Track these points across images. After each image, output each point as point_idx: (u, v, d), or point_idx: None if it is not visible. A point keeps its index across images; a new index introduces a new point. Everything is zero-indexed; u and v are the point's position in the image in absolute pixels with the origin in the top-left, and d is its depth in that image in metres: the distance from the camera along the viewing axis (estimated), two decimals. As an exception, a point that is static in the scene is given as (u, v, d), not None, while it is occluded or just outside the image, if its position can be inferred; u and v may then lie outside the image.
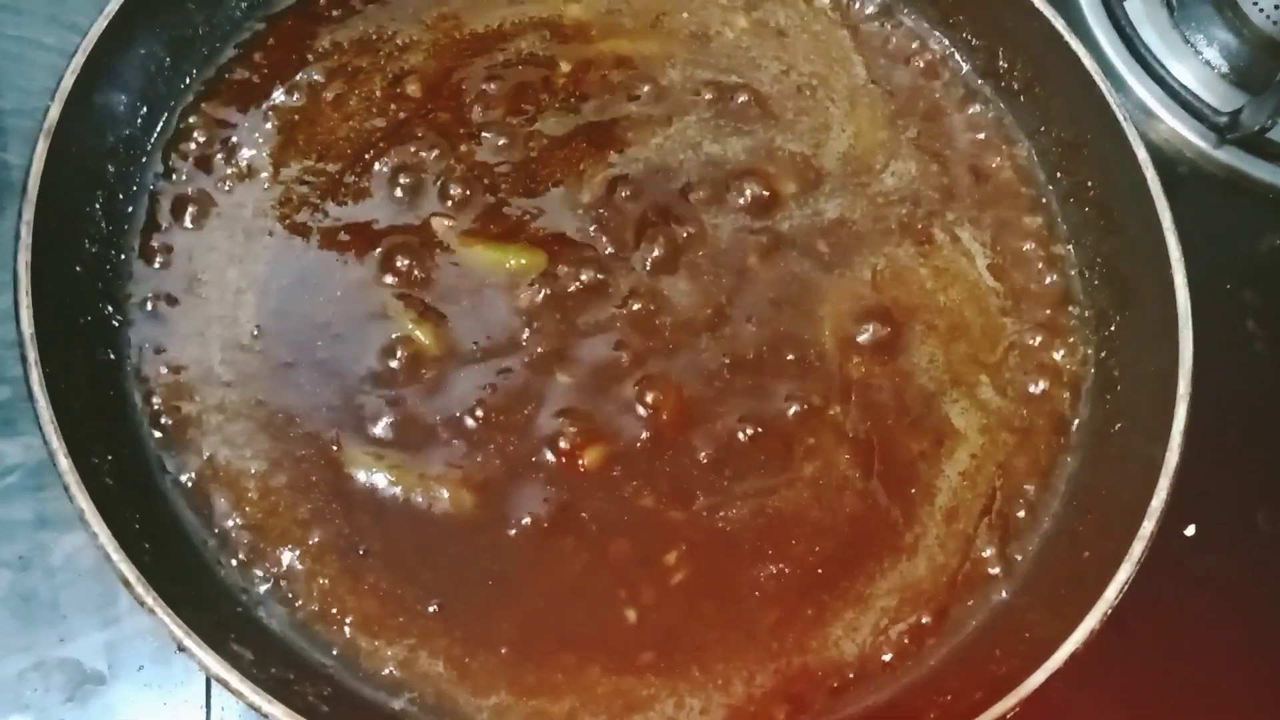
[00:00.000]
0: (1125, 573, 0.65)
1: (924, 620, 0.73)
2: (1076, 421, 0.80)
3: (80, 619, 0.75)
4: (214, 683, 0.59)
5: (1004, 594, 0.74)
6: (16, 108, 0.87)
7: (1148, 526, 0.67)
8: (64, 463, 0.61)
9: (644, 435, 0.75)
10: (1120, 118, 0.79)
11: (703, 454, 0.75)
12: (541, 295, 0.78)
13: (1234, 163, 1.01)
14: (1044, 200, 0.87)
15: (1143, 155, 0.77)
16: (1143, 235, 0.77)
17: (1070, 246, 0.85)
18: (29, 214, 0.67)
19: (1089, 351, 0.82)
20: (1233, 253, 1.00)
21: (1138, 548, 0.66)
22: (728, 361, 0.78)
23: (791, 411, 0.77)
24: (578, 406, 0.75)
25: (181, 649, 0.58)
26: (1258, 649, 0.87)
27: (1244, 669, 0.86)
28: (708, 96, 0.86)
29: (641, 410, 0.75)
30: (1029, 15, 0.84)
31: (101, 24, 0.73)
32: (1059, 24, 0.83)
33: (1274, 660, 0.86)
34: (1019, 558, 0.76)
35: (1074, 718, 0.80)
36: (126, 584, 0.59)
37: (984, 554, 0.76)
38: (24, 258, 0.66)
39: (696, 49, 0.88)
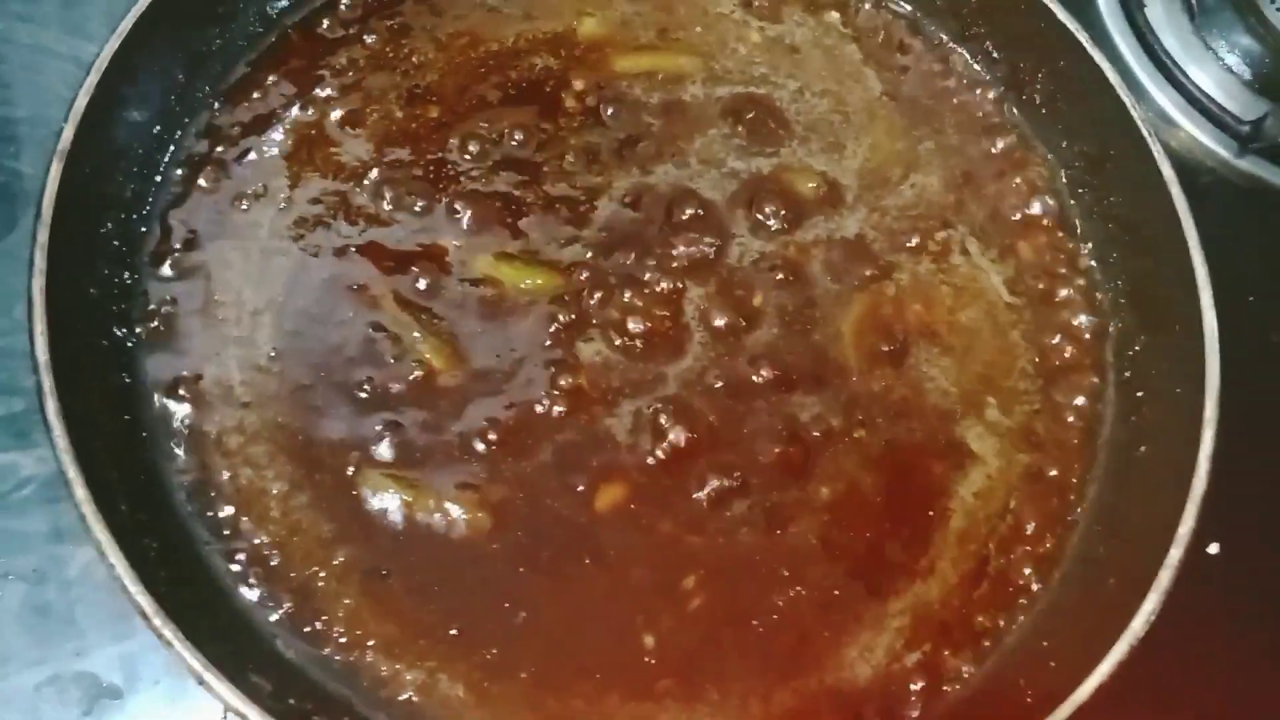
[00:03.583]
0: (1153, 602, 0.65)
1: (942, 646, 0.73)
2: (1098, 444, 0.79)
3: (96, 632, 0.74)
4: (232, 710, 0.59)
5: (1026, 621, 0.73)
6: (30, 116, 0.87)
7: (1175, 554, 0.66)
8: (81, 492, 0.61)
9: (663, 458, 0.74)
10: (1145, 134, 0.77)
11: (722, 477, 0.74)
12: (558, 315, 0.77)
13: (1257, 172, 0.99)
14: (1066, 215, 0.86)
15: (1168, 172, 0.76)
16: (1168, 254, 0.76)
17: (1093, 264, 0.84)
18: (43, 237, 0.67)
19: (1111, 372, 0.81)
20: (1256, 264, 0.98)
21: (1165, 576, 0.65)
22: (748, 382, 0.77)
23: (812, 433, 0.76)
24: (595, 427, 0.74)
25: (201, 682, 0.58)
26: (1282, 668, 0.86)
27: (1270, 689, 0.85)
28: (725, 113, 0.85)
29: (660, 432, 0.75)
30: (1051, 26, 0.83)
31: (115, 42, 0.73)
32: (1082, 37, 0.82)
33: (1299, 679, 0.86)
34: (1039, 585, 0.75)
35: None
36: (144, 616, 0.58)
37: (1005, 579, 0.75)
38: (39, 283, 0.65)
39: (712, 65, 0.87)
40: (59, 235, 0.67)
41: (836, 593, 0.73)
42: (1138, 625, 0.64)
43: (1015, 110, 0.89)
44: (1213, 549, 0.85)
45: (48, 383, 0.63)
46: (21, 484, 0.77)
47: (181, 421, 0.72)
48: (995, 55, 0.90)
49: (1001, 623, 0.73)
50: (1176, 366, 0.74)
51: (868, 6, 0.92)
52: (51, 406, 0.62)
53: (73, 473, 0.61)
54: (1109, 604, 0.68)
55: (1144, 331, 0.80)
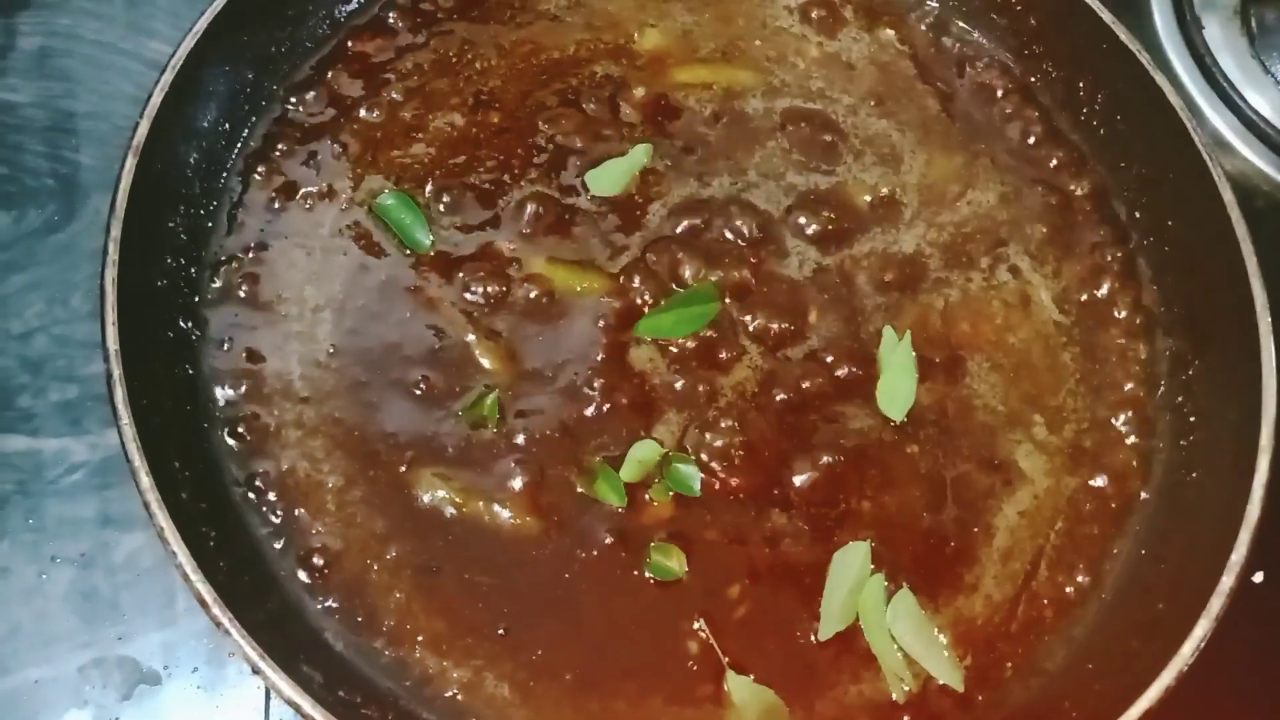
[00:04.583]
0: (1203, 629, 0.64)
1: (985, 663, 0.72)
2: (1149, 467, 0.78)
3: (139, 618, 0.76)
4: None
5: (1071, 642, 0.73)
6: (92, 111, 0.89)
7: (1227, 581, 0.65)
8: (145, 480, 0.62)
9: (712, 466, 0.74)
10: (1205, 156, 0.77)
11: (771, 488, 0.74)
12: (610, 321, 0.78)
13: (1314, 197, 0.98)
14: (1121, 236, 0.85)
15: (1228, 196, 0.76)
16: (1226, 278, 0.75)
17: (1147, 285, 0.84)
18: (116, 230, 0.68)
19: (1164, 395, 0.80)
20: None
21: (1216, 603, 0.64)
22: (798, 393, 0.77)
23: (861, 446, 0.76)
24: (645, 434, 0.75)
25: (256, 671, 0.59)
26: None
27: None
28: (784, 126, 0.86)
29: (708, 441, 0.75)
30: (1112, 47, 0.83)
31: (190, 41, 0.75)
32: (1143, 58, 0.81)
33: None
34: (1085, 606, 0.74)
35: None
36: (203, 604, 0.60)
37: (1051, 598, 0.74)
38: (110, 274, 0.67)
39: (771, 78, 0.88)
40: (130, 229, 0.69)
41: (879, 606, 0.73)
42: (1187, 651, 0.64)
43: (1072, 130, 0.89)
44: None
45: (116, 371, 0.64)
46: (73, 469, 0.79)
47: (242, 414, 0.73)
48: (1053, 74, 0.89)
49: (1046, 642, 0.73)
50: (1232, 392, 0.74)
51: (924, 25, 0.92)
52: (119, 394, 0.64)
53: (137, 461, 0.62)
54: (1157, 629, 0.68)
55: (1198, 355, 0.79)
